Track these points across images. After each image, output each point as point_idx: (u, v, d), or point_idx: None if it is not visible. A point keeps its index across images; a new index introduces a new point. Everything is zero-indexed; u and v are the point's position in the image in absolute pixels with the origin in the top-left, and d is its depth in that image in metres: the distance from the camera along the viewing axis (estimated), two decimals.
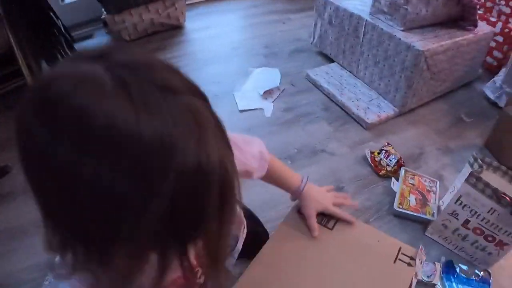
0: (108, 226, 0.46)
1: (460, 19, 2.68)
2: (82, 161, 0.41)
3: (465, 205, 1.66)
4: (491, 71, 3.01)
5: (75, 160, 0.41)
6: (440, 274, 1.63)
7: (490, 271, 1.71)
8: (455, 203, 1.68)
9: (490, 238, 1.66)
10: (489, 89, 2.80)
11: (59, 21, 2.38)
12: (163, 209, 0.44)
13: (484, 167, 1.75)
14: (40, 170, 0.45)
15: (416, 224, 1.84)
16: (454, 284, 1.63)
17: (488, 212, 1.61)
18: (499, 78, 2.76)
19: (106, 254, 0.49)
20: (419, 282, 1.56)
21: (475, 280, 1.67)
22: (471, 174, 1.61)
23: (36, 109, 0.44)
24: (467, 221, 1.68)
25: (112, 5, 2.68)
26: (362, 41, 2.61)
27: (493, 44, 3.03)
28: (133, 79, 0.43)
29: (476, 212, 1.64)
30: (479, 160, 1.72)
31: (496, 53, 3.11)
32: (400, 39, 2.36)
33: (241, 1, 3.72)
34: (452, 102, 2.72)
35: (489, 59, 3.12)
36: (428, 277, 1.60)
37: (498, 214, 1.59)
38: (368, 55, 2.61)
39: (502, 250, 1.67)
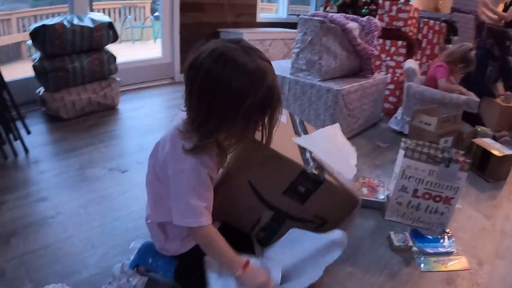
0: (233, 112, 1.03)
1: (360, 70, 3.30)
2: (238, 79, 1.01)
3: (410, 177, 1.94)
4: (390, 115, 3.59)
5: (233, 79, 1.01)
6: (412, 239, 1.82)
7: (447, 230, 1.96)
8: (401, 178, 1.96)
9: (438, 198, 1.94)
10: (393, 123, 3.38)
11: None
12: (260, 100, 1.03)
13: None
14: (215, 90, 1.02)
15: (375, 212, 2.07)
16: (425, 244, 1.83)
17: (429, 174, 1.90)
18: (399, 113, 3.37)
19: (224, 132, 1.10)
20: (397, 248, 1.76)
21: (440, 238, 1.89)
22: (407, 149, 1.92)
23: (215, 60, 1.01)
24: (415, 191, 1.95)
25: (52, 83, 2.77)
26: (287, 96, 3.02)
27: (387, 92, 3.69)
28: (249, 49, 1.05)
29: (420, 179, 1.93)
30: (408, 142, 2.03)
31: (391, 98, 3.78)
32: (320, 85, 2.85)
33: (165, 87, 4.07)
34: (367, 136, 3.22)
35: (386, 105, 3.77)
36: (403, 242, 1.78)
37: (437, 173, 1.88)
38: (294, 106, 3.00)
39: (450, 205, 1.94)
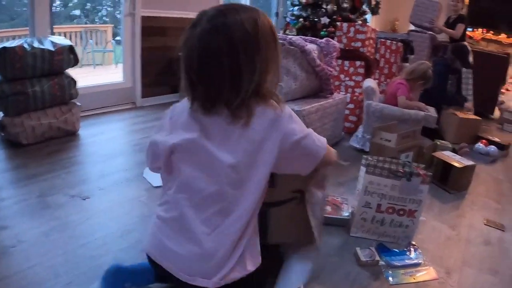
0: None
1: (320, 90, 3.36)
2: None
3: (372, 193, 1.98)
4: (351, 133, 3.66)
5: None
6: (378, 254, 1.85)
7: (413, 242, 2.00)
8: (364, 194, 2.00)
9: (401, 212, 1.98)
10: (354, 141, 3.44)
11: None
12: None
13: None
14: (207, 56, 1.11)
15: (340, 229, 2.09)
16: (392, 258, 1.87)
17: (391, 189, 1.95)
18: (359, 131, 3.43)
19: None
20: (364, 263, 1.78)
21: (406, 251, 1.93)
22: (368, 165, 1.97)
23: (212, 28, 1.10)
24: (379, 206, 1.99)
25: (12, 107, 2.68)
26: None
27: (347, 111, 3.76)
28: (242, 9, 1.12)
29: (382, 194, 1.98)
30: (369, 158, 2.07)
31: (351, 117, 3.86)
32: None
33: (126, 112, 4.01)
34: None
35: (347, 124, 3.84)
36: (370, 257, 1.80)
37: (399, 187, 1.93)
38: None
39: (414, 218, 1.99)
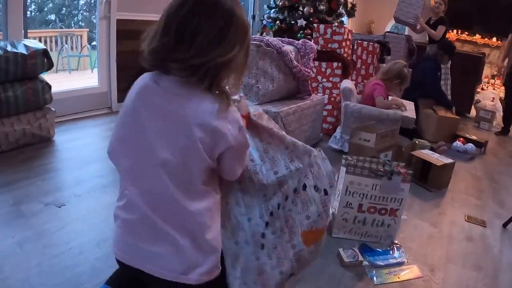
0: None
1: (297, 92, 3.35)
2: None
3: (353, 192, 1.98)
4: (329, 135, 3.66)
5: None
6: (362, 254, 1.84)
7: (396, 241, 1.99)
8: (345, 195, 1.99)
9: (383, 211, 1.98)
10: (333, 142, 3.45)
11: None
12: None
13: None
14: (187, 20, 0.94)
15: None
16: (376, 257, 1.86)
17: (372, 188, 1.94)
18: (338, 132, 3.43)
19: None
20: (348, 264, 1.77)
21: (389, 250, 1.92)
22: (348, 165, 1.96)
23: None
24: (360, 206, 1.99)
25: None
26: None
27: (325, 113, 3.76)
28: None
29: (363, 194, 1.97)
30: (348, 158, 2.06)
31: (329, 118, 3.86)
32: (258, 108, 2.81)
33: (102, 117, 3.93)
34: None
35: (325, 125, 3.83)
36: (353, 258, 1.79)
37: (380, 186, 1.93)
38: None
39: (396, 217, 1.98)
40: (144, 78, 1.08)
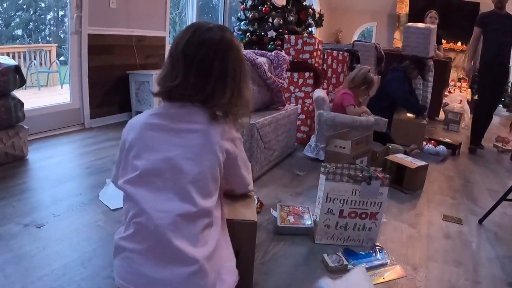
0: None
1: (272, 103, 3.39)
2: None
3: (334, 199, 2.01)
4: (304, 144, 3.72)
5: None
6: (346, 258, 1.87)
7: (378, 244, 2.04)
8: (326, 201, 2.02)
9: (363, 215, 2.02)
10: (308, 151, 3.51)
11: None
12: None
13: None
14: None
15: (305, 238, 2.10)
16: (360, 260, 1.91)
17: (352, 194, 1.98)
18: (312, 141, 3.50)
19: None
20: (333, 269, 1.80)
21: (372, 252, 1.96)
22: (328, 172, 2.00)
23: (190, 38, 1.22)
24: (341, 211, 2.02)
25: None
26: None
27: (299, 122, 3.82)
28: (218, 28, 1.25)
29: (344, 200, 2.01)
30: (327, 166, 2.10)
31: (303, 128, 3.93)
32: None
33: (75, 134, 3.89)
34: (285, 166, 3.32)
35: (299, 134, 3.89)
36: (338, 262, 1.82)
37: (359, 191, 1.97)
38: None
39: (376, 220, 2.03)
40: None
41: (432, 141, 4.05)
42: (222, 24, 1.30)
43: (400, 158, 3.01)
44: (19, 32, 7.07)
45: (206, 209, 1.17)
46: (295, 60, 4.09)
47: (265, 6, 5.37)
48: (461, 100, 5.84)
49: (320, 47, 4.29)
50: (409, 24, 5.37)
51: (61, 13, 6.75)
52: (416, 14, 9.01)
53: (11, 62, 2.89)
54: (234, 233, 1.41)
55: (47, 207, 2.31)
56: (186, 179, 1.15)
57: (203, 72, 1.19)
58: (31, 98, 4.92)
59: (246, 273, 1.55)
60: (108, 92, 4.32)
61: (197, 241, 1.13)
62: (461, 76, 8.06)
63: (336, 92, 3.78)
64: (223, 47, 1.22)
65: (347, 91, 3.51)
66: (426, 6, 8.80)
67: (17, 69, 2.85)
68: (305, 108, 4.00)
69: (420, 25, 5.14)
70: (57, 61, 6.89)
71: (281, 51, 3.92)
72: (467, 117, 5.66)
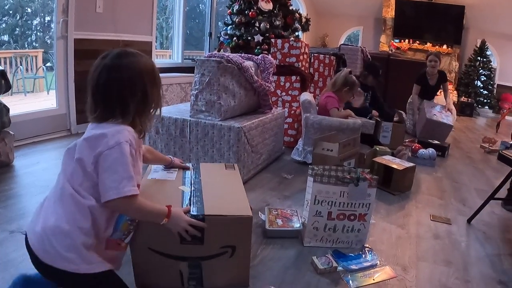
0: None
1: (259, 106, 3.40)
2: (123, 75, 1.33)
3: (322, 201, 2.02)
4: (291, 147, 3.74)
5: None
6: (335, 260, 1.88)
7: (367, 245, 2.05)
8: (314, 204, 2.03)
9: (352, 217, 2.03)
10: (295, 154, 3.53)
11: None
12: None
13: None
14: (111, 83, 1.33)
15: (294, 241, 2.10)
16: (349, 262, 1.90)
17: (340, 195, 1.99)
18: (299, 144, 3.52)
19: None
20: (323, 271, 1.80)
21: (361, 254, 1.97)
22: (315, 175, 2.00)
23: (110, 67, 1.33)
24: (329, 213, 2.03)
25: None
26: (189, 138, 2.99)
27: (286, 126, 3.84)
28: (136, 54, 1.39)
29: (332, 202, 2.02)
30: (315, 168, 2.10)
31: (290, 131, 3.95)
32: (221, 125, 2.85)
33: (62, 140, 3.85)
34: (272, 170, 3.32)
35: (286, 138, 3.92)
36: (328, 265, 1.82)
37: (347, 193, 1.98)
38: (197, 148, 2.97)
39: (365, 221, 2.04)
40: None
41: (416, 145, 4.04)
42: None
43: (388, 159, 3.03)
44: (5, 37, 6.98)
45: None
46: (282, 64, 4.11)
47: (252, 10, 5.38)
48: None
49: (306, 50, 4.32)
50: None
51: (47, 18, 6.68)
52: (401, 18, 9.15)
53: None
54: (230, 229, 1.48)
55: (33, 213, 2.28)
56: None
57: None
58: (17, 104, 4.88)
59: (243, 268, 1.60)
60: None
61: None
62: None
63: (321, 95, 3.80)
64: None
65: (330, 94, 3.54)
66: (412, 10, 8.96)
67: (2, 74, 2.83)
68: (292, 112, 4.02)
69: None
70: (43, 66, 6.82)
71: (267, 55, 3.93)
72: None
